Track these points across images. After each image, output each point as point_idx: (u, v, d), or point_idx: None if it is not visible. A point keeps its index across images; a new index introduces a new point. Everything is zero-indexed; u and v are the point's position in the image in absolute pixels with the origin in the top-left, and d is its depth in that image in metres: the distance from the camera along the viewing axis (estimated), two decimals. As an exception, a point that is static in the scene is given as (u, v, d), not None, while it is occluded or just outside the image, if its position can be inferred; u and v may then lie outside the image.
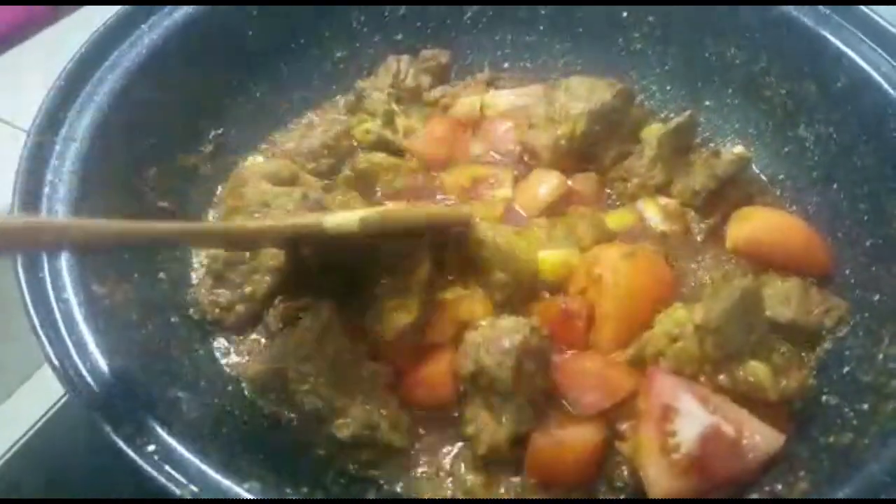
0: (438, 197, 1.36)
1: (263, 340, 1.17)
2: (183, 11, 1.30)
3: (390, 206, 1.30)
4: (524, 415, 1.04)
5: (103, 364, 0.93)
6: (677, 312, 1.09)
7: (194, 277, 1.23)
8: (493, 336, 1.04)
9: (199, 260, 1.23)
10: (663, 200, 1.33)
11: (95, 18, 1.25)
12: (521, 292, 1.18)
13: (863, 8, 1.26)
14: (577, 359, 1.11)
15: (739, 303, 1.05)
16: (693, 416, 1.00)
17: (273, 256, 1.18)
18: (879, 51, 1.22)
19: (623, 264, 1.14)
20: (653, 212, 1.32)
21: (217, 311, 1.17)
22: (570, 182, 1.36)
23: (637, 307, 1.13)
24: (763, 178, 1.40)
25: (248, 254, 1.17)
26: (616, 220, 1.31)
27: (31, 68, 1.63)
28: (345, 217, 1.02)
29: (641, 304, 1.13)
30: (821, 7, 1.29)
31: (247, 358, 1.15)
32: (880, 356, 1.08)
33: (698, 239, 1.30)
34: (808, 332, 1.17)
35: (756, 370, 1.05)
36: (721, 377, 1.05)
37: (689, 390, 1.03)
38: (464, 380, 1.06)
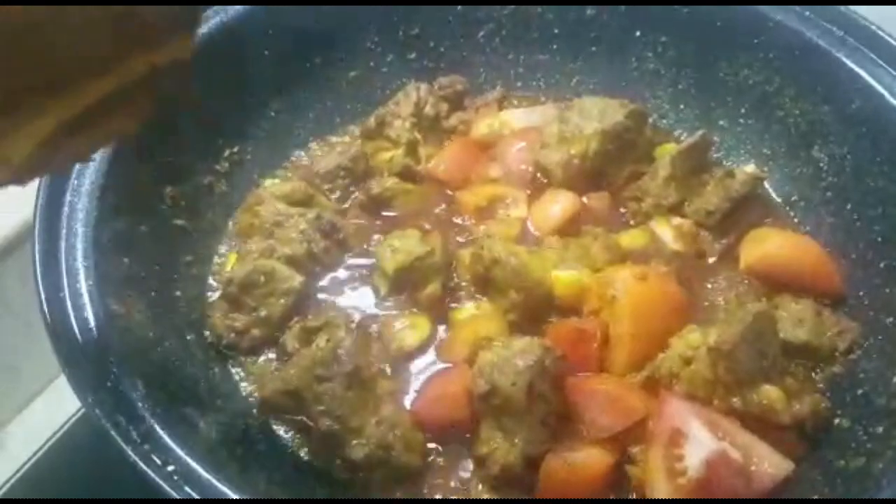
0: (455, 220, 1.36)
1: (278, 361, 1.18)
2: (199, 32, 1.31)
3: None
4: (537, 436, 1.04)
5: (121, 381, 0.93)
6: (691, 335, 1.09)
7: (210, 298, 1.24)
8: (507, 356, 1.04)
9: (217, 286, 1.24)
10: (677, 220, 1.32)
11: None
12: (535, 312, 1.18)
13: (877, 30, 1.26)
14: (590, 380, 1.11)
15: (752, 327, 1.04)
16: (700, 442, 1.00)
17: (286, 279, 1.19)
18: (894, 73, 1.22)
19: (636, 286, 1.14)
20: (666, 232, 1.31)
21: (233, 335, 1.18)
22: (584, 200, 1.36)
23: (651, 329, 1.13)
24: (777, 198, 1.39)
25: (262, 277, 1.18)
26: (629, 239, 1.31)
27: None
28: None
29: (655, 326, 1.13)
30: (835, 29, 1.28)
31: (262, 378, 1.15)
32: (894, 379, 1.07)
33: (711, 260, 1.30)
34: (821, 355, 1.17)
35: (769, 393, 1.05)
36: (734, 400, 1.05)
37: (698, 415, 1.03)
38: (477, 399, 1.06)
